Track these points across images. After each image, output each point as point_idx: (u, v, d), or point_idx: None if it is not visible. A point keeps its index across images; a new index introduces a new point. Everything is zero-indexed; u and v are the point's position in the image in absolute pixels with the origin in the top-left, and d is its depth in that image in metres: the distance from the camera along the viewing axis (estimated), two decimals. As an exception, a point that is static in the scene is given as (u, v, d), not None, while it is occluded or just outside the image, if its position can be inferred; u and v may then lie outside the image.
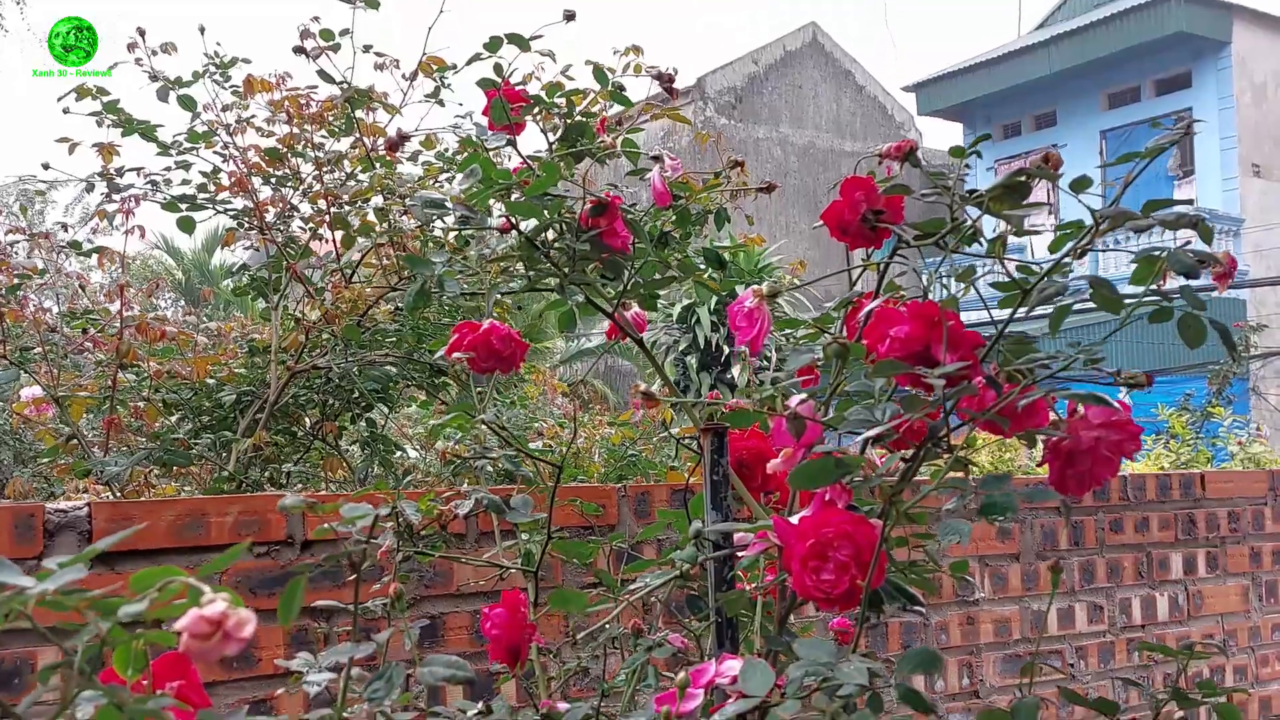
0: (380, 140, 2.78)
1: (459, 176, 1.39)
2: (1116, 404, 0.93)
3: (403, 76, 2.96)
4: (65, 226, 3.45)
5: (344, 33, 2.82)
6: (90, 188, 2.97)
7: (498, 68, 1.48)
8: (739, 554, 1.20)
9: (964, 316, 1.00)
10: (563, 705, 1.24)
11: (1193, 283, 0.95)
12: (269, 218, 3.03)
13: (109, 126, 2.99)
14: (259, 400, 2.99)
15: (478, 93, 1.54)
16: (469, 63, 1.75)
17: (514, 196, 1.34)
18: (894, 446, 1.04)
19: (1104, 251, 1.09)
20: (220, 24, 3.08)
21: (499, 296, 1.71)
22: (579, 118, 1.52)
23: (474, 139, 1.46)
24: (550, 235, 1.38)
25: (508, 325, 1.24)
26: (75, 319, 3.02)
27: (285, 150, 2.95)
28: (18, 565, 0.72)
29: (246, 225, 3.05)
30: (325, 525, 0.87)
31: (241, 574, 1.86)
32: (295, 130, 2.86)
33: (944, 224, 1.09)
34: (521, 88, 1.50)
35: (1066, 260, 1.02)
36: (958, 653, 2.63)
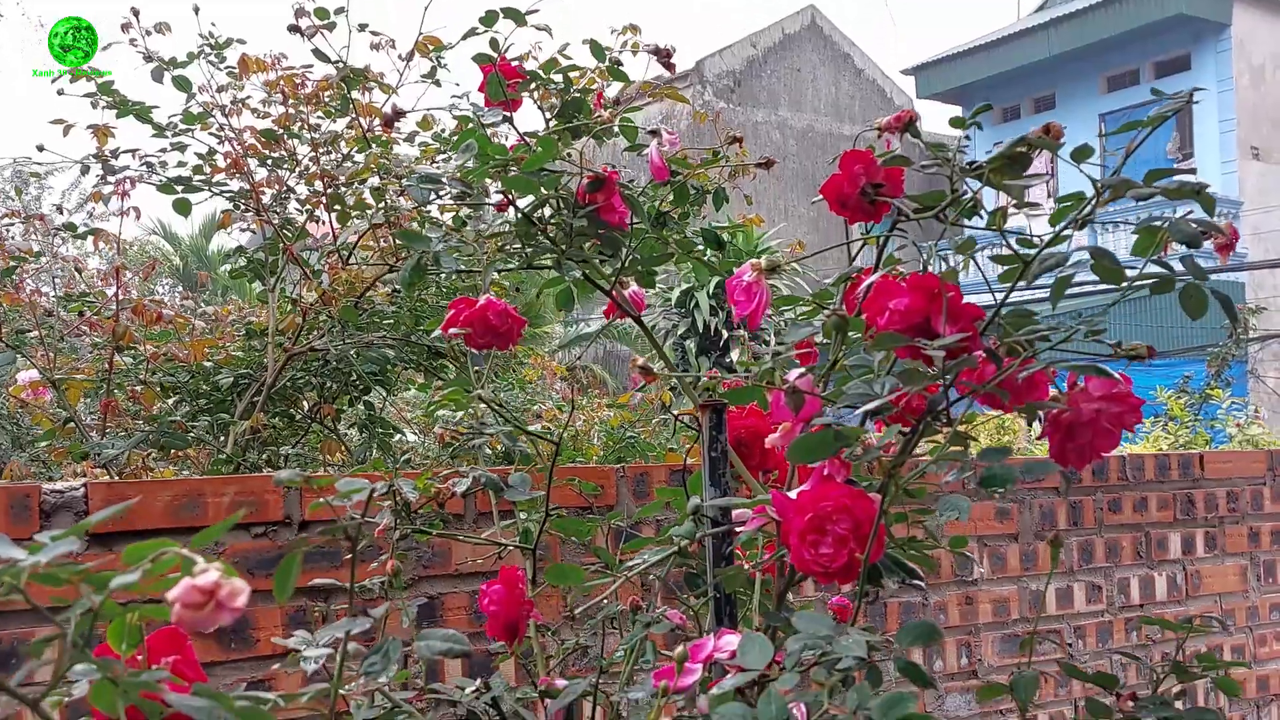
0: (376, 120, 2.76)
1: (455, 156, 1.38)
2: (1117, 375, 0.92)
3: (399, 57, 2.94)
4: (60, 209, 3.43)
5: (339, 11, 2.80)
6: (85, 170, 2.95)
7: (494, 43, 1.47)
8: (737, 530, 1.20)
9: (967, 299, 0.99)
10: (561, 682, 1.24)
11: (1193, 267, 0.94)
12: (265, 200, 3.02)
13: (104, 108, 2.97)
14: (256, 383, 2.99)
15: (475, 75, 1.53)
16: (464, 37, 1.74)
17: (511, 173, 1.33)
18: (894, 422, 1.04)
19: (1104, 233, 1.08)
20: (220, 24, 3.06)
21: (496, 275, 1.70)
22: (576, 94, 1.50)
23: (470, 113, 1.44)
24: (547, 212, 1.37)
25: (504, 301, 1.24)
26: (71, 302, 3.01)
27: (281, 131, 2.93)
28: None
29: (243, 207, 3.04)
30: (321, 501, 0.86)
31: (239, 554, 1.85)
32: (291, 111, 2.84)
33: (944, 197, 1.08)
34: (518, 63, 1.49)
35: (1067, 231, 1.01)
36: (956, 632, 2.63)
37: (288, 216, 3.05)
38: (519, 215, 1.33)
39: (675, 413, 1.74)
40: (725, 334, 11.59)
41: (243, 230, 3.16)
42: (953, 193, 1.06)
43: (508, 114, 1.46)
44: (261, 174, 3.04)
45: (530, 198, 1.37)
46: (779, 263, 1.11)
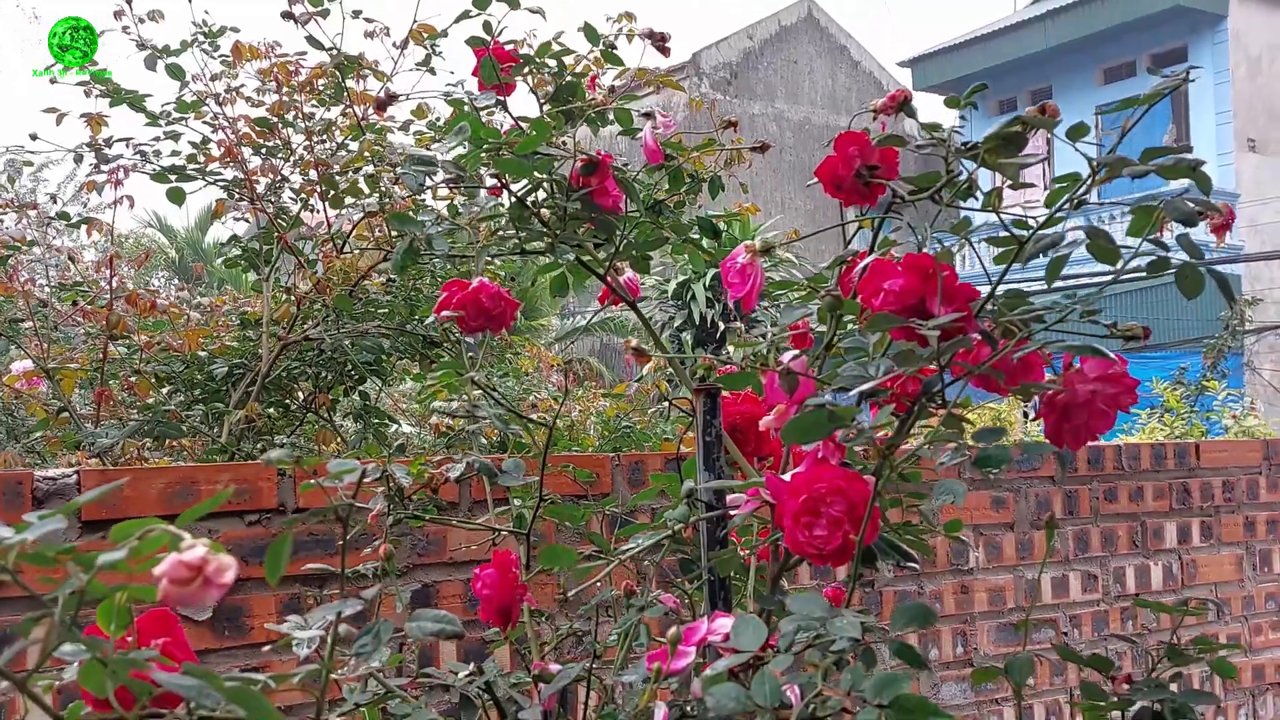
0: (370, 108, 2.75)
1: (449, 139, 1.37)
2: (1113, 355, 0.92)
3: (394, 45, 2.92)
4: (54, 198, 3.42)
5: (333, -2, 2.78)
6: (79, 158, 2.94)
7: (487, 25, 1.46)
8: (732, 513, 1.19)
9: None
10: (555, 667, 1.23)
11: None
12: (260, 189, 3.01)
13: (97, 97, 2.96)
14: (251, 373, 2.98)
15: (470, 64, 1.52)
16: (457, 20, 1.73)
17: (504, 156, 1.32)
18: (888, 402, 1.03)
19: (1099, 224, 1.08)
20: (214, 18, 3.04)
21: (490, 260, 1.68)
22: (570, 79, 1.49)
23: (463, 99, 1.44)
24: (540, 195, 1.36)
25: (498, 284, 1.23)
26: (66, 291, 3.00)
27: (276, 119, 2.92)
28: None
29: (237, 196, 3.03)
30: (312, 482, 0.86)
31: (232, 542, 1.85)
32: (285, 99, 2.83)
33: (939, 178, 1.08)
34: (512, 47, 1.48)
35: (1062, 213, 1.01)
36: (952, 621, 2.63)
37: (282, 205, 3.04)
38: (513, 199, 1.33)
39: (670, 399, 1.74)
40: (721, 326, 11.58)
41: (237, 219, 3.15)
42: (948, 174, 1.05)
43: (501, 98, 1.45)
44: (255, 162, 3.03)
45: (524, 182, 1.37)
46: (773, 244, 1.10)
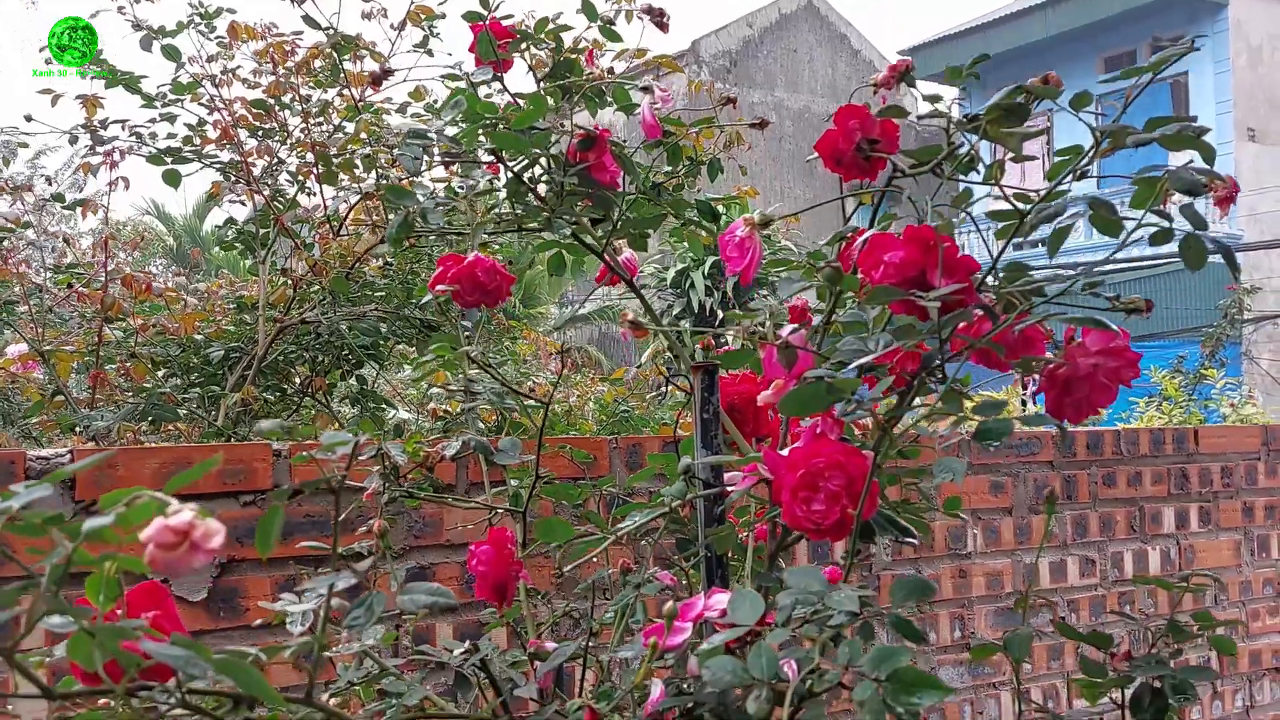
0: (367, 89, 2.73)
1: (445, 114, 1.35)
2: (1115, 328, 0.91)
3: (390, 26, 2.91)
4: (49, 180, 3.40)
5: (330, -21, 2.76)
6: (74, 139, 2.92)
7: (484, 0, 1.44)
8: (729, 489, 1.18)
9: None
10: (550, 645, 1.22)
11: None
12: (256, 171, 2.99)
13: (92, 79, 2.94)
14: (248, 356, 2.96)
15: (468, 44, 1.50)
16: (454, -6, 1.71)
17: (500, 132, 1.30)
18: (889, 376, 1.02)
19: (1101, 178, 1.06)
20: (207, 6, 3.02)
21: (486, 237, 1.67)
22: (568, 54, 1.48)
23: (460, 74, 1.42)
24: (537, 171, 1.35)
25: (493, 259, 1.22)
26: (61, 274, 2.99)
27: (272, 101, 2.90)
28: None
29: (233, 179, 3.01)
30: (305, 454, 0.85)
31: (228, 522, 1.84)
32: (281, 80, 2.81)
33: (940, 150, 1.06)
34: (510, 21, 1.46)
35: (1065, 186, 0.99)
36: (950, 605, 2.63)
37: (278, 188, 3.03)
38: (509, 175, 1.31)
39: (669, 376, 1.73)
40: (720, 314, 11.56)
41: (233, 202, 3.13)
42: (949, 145, 1.04)
43: (498, 74, 1.43)
44: (252, 144, 3.01)
45: (521, 158, 1.35)
46: (772, 218, 1.09)
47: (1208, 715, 3.00)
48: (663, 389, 3.73)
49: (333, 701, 1.16)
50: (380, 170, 2.75)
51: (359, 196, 2.83)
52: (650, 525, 1.32)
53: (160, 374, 3.01)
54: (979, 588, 2.67)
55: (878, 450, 0.98)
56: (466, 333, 1.54)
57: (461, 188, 1.55)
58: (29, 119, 2.97)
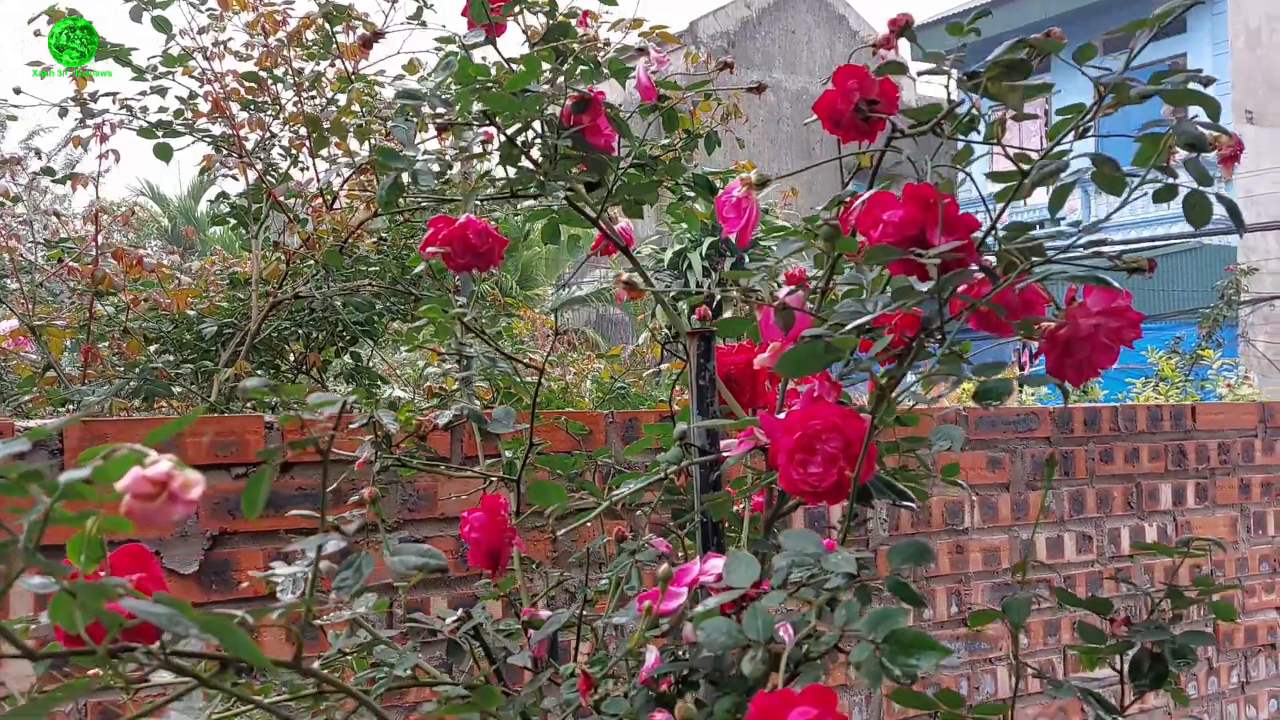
0: (359, 61, 2.70)
1: (436, 75, 1.33)
2: (1118, 286, 0.89)
3: (384, -2, 2.87)
4: (39, 153, 3.37)
5: (322, -52, 2.73)
6: (63, 112, 2.90)
7: (476, -39, 1.41)
8: (725, 456, 1.17)
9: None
10: (545, 613, 1.21)
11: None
12: (248, 145, 2.96)
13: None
14: (241, 332, 2.94)
15: (462, 23, 1.48)
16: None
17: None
18: (886, 337, 1.00)
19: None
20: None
21: (479, 203, 1.65)
22: (563, 17, 1.45)
23: (453, 36, 1.40)
24: (531, 135, 1.33)
25: (485, 220, 1.20)
26: (52, 247, 2.96)
27: (264, 74, 2.87)
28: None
29: (225, 152, 2.98)
30: (291, 414, 0.83)
31: (220, 495, 1.82)
32: (272, 51, 2.78)
33: (939, 109, 1.04)
34: (501, -15, 1.44)
35: (1066, 144, 0.97)
36: (947, 581, 2.62)
37: (271, 162, 3.00)
38: (502, 137, 1.29)
39: (666, 345, 1.71)
40: (718, 296, 11.53)
41: (225, 176, 3.10)
42: (949, 104, 1.02)
43: (491, 37, 1.41)
44: (244, 118, 2.98)
45: (515, 122, 1.33)
46: (769, 178, 1.07)
47: (1203, 691, 3.00)
48: (660, 365, 3.71)
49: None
50: (373, 142, 2.72)
51: (352, 170, 2.80)
52: (646, 498, 1.31)
53: (153, 350, 2.99)
54: (976, 563, 2.66)
55: (875, 413, 0.97)
56: (460, 300, 1.52)
57: (455, 158, 1.52)
58: (18, 91, 2.94)
